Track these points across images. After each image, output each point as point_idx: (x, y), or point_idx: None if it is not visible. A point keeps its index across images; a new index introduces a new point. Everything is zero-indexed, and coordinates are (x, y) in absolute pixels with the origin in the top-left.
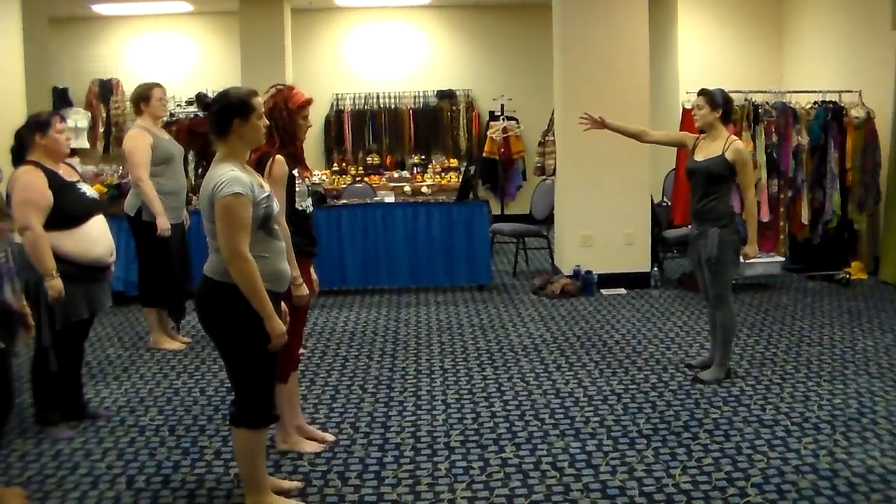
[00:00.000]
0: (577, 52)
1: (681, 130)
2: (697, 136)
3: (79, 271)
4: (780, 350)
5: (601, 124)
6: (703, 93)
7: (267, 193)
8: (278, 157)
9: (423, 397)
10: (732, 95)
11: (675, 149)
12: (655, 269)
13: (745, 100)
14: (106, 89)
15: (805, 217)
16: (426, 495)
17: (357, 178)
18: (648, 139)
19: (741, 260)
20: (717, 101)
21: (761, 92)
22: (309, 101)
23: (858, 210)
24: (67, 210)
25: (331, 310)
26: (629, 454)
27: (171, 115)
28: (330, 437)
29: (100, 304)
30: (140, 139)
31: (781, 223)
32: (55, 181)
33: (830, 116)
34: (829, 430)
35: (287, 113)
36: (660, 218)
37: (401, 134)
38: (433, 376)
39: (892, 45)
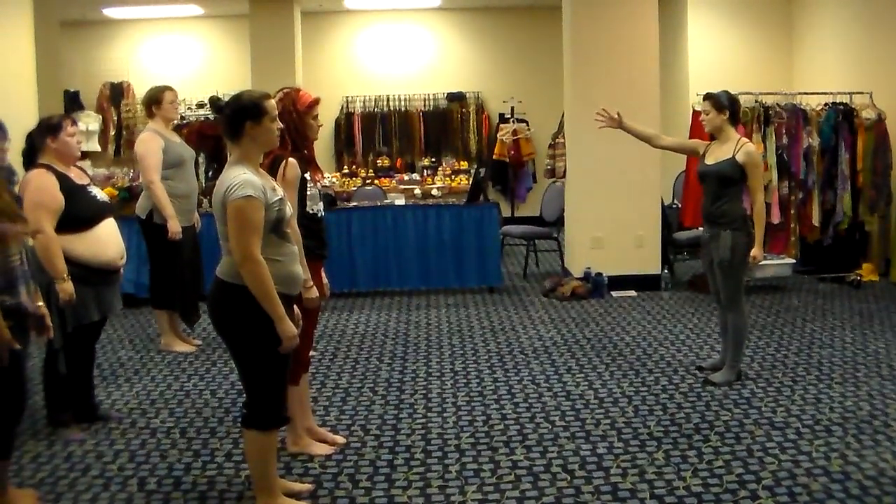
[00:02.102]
0: (587, 55)
1: (691, 132)
2: (709, 142)
3: (89, 274)
4: (791, 352)
5: (618, 122)
6: (707, 97)
7: (279, 197)
8: (291, 159)
9: (434, 399)
10: (742, 97)
11: None
12: (666, 270)
13: (756, 101)
14: (117, 92)
15: (816, 219)
16: (437, 498)
17: (367, 181)
18: (660, 144)
19: (751, 262)
20: (723, 103)
21: (771, 93)
22: (317, 101)
23: (869, 211)
24: (78, 213)
25: (341, 312)
26: (640, 457)
27: (182, 118)
28: (340, 440)
29: (110, 307)
30: (151, 142)
31: (792, 225)
32: (66, 184)
33: (841, 118)
34: (841, 433)
35: (297, 115)
36: (670, 220)
37: (411, 136)
38: (443, 378)
39: None
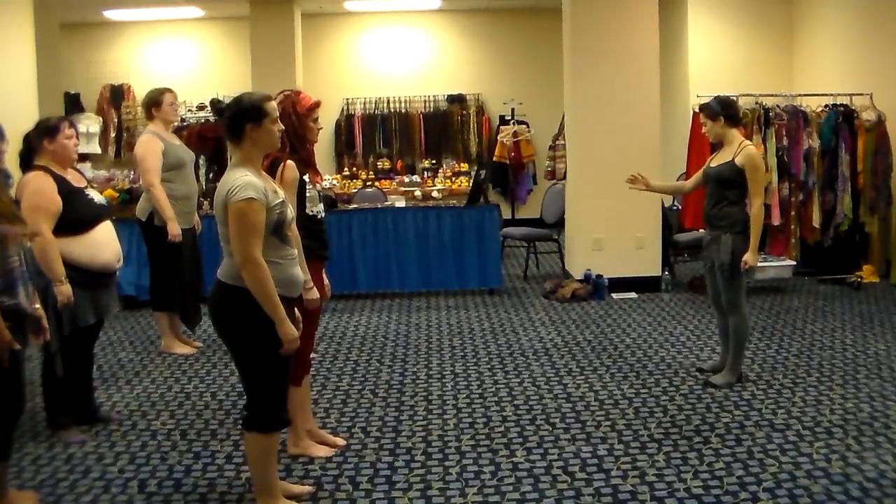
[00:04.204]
0: (588, 56)
1: (691, 133)
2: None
3: (86, 277)
4: (791, 354)
5: (646, 184)
6: (700, 109)
7: (281, 199)
8: (289, 161)
9: (434, 401)
10: (743, 98)
11: (686, 152)
12: (666, 272)
13: (756, 103)
14: (117, 94)
15: (816, 220)
16: (437, 500)
17: (368, 183)
18: (688, 188)
19: (741, 267)
20: (715, 110)
21: (772, 95)
22: (317, 104)
23: (870, 213)
24: (75, 216)
25: (342, 314)
26: (640, 458)
27: (183, 120)
28: (341, 442)
29: (106, 310)
30: (151, 144)
31: (792, 226)
32: (63, 187)
33: (841, 119)
34: (842, 435)
35: (296, 117)
36: (671, 221)
37: (411, 138)
38: (444, 380)
39: None
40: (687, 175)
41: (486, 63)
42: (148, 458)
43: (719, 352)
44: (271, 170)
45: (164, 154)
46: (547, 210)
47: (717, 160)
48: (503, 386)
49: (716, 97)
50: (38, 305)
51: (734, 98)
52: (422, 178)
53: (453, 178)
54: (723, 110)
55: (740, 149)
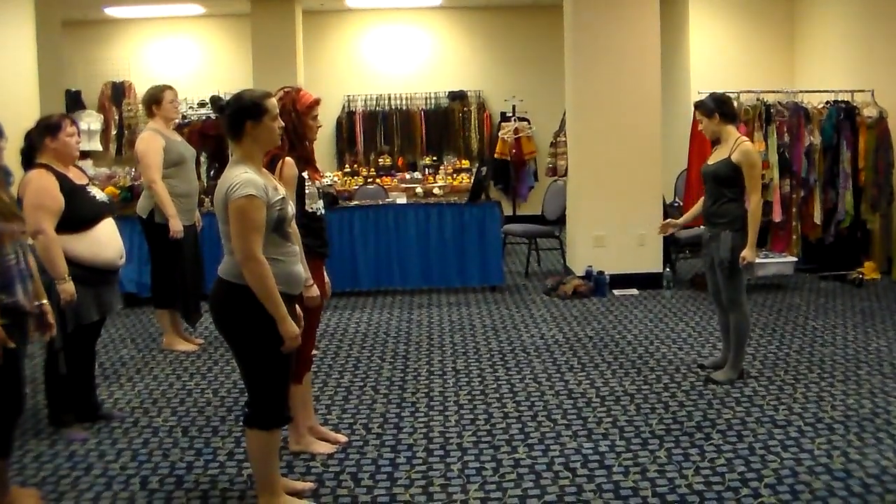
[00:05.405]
0: (589, 53)
1: (692, 130)
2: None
3: (89, 274)
4: (793, 350)
5: (674, 226)
6: (695, 107)
7: (281, 196)
8: (288, 159)
9: (436, 398)
10: (744, 95)
11: (687, 149)
12: (668, 269)
13: (757, 100)
14: (118, 92)
15: (818, 217)
16: (439, 496)
17: (369, 180)
18: None
19: (739, 263)
20: (709, 107)
21: (773, 92)
22: (317, 102)
23: (871, 210)
24: (77, 214)
25: (343, 311)
26: (642, 455)
27: (184, 117)
28: (342, 438)
29: (109, 307)
30: (152, 141)
31: (794, 223)
32: (65, 185)
33: (843, 116)
34: (843, 431)
35: (296, 115)
36: (672, 218)
37: (412, 135)
38: (445, 377)
39: None
40: (688, 172)
41: (487, 60)
42: (150, 454)
43: (720, 348)
44: (270, 167)
45: (166, 151)
46: (548, 207)
47: (714, 157)
48: (504, 382)
49: (711, 94)
50: (45, 301)
51: (731, 95)
52: (423, 175)
53: (454, 175)
54: (718, 107)
55: (736, 145)
